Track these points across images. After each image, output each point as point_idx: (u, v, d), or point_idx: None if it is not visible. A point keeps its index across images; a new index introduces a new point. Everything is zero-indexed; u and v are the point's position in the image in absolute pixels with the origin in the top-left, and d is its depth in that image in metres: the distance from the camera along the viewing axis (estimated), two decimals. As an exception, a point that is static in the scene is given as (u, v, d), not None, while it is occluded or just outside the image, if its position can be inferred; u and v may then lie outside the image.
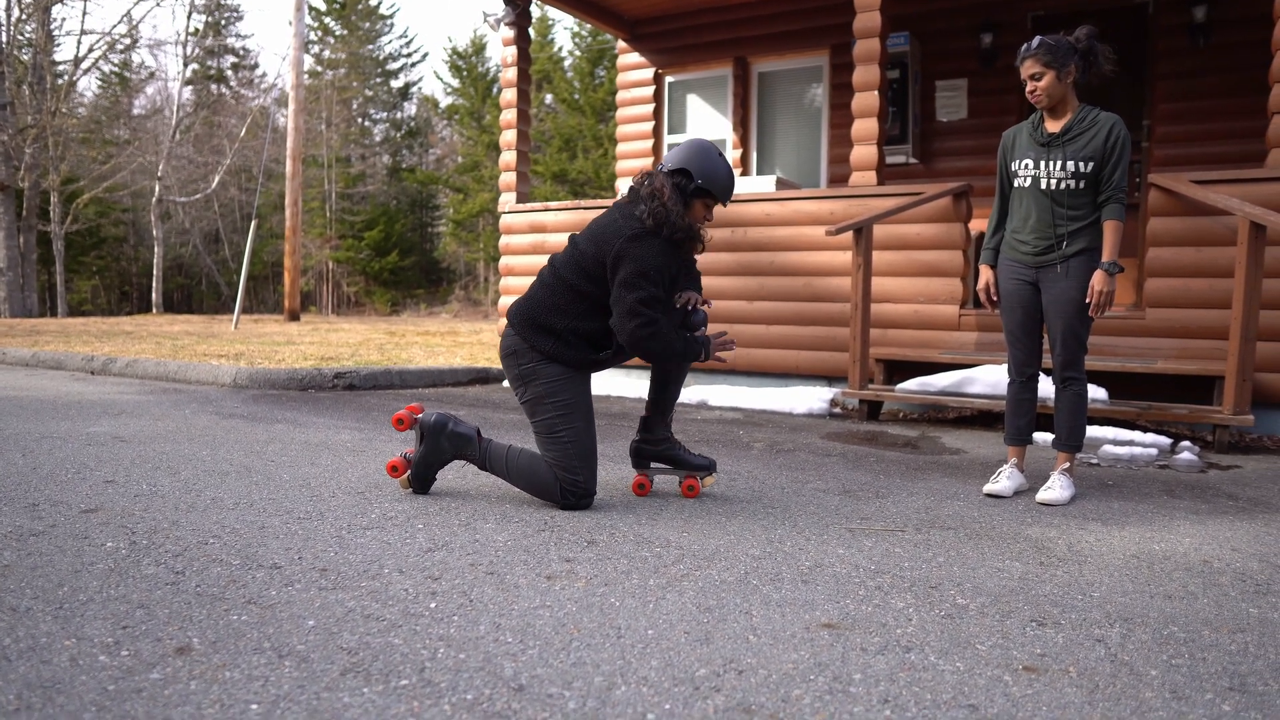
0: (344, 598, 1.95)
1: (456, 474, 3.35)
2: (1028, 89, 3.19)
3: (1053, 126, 3.22)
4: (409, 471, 2.97)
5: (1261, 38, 5.92)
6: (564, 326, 2.83)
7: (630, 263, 2.73)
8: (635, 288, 2.72)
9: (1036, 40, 3.15)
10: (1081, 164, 3.13)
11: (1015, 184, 3.31)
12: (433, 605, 1.92)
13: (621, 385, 6.67)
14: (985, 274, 3.46)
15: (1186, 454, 4.20)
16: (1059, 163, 3.17)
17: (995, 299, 3.45)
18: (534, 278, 2.68)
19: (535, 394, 2.84)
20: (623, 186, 8.44)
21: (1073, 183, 3.16)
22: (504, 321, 7.52)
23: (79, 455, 3.48)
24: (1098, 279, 3.13)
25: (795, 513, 2.92)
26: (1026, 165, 3.25)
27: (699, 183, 2.84)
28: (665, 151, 8.86)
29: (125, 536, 2.37)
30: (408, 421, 2.96)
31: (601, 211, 2.99)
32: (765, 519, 2.82)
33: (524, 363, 2.86)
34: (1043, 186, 3.21)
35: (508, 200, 7.50)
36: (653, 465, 3.18)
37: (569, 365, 2.85)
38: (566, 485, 2.82)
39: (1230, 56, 6.51)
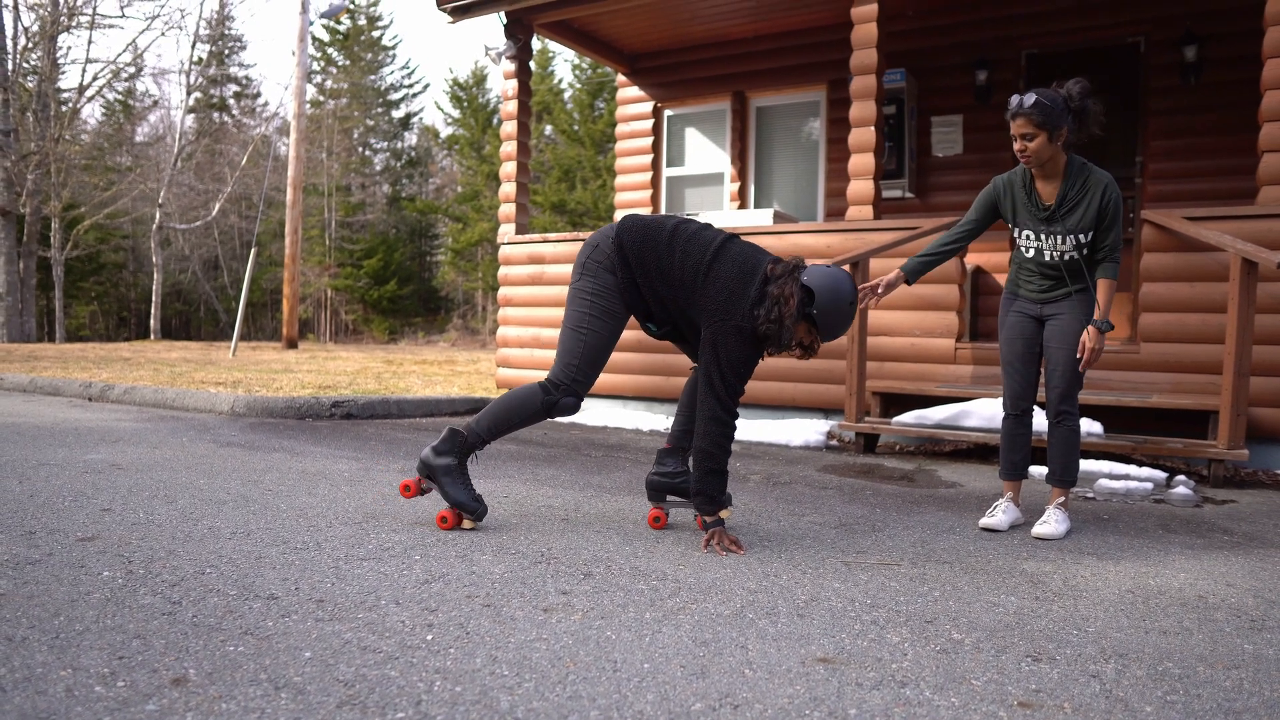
0: (341, 629, 1.95)
1: (453, 504, 3.35)
2: (1017, 147, 3.14)
3: (1045, 189, 3.22)
4: (465, 514, 2.97)
5: (1251, 77, 6.01)
6: (640, 282, 2.93)
7: (732, 353, 2.81)
8: (724, 377, 2.82)
9: (1031, 99, 3.07)
10: (1082, 236, 3.18)
11: (1019, 247, 3.34)
12: (429, 637, 1.92)
13: (619, 416, 6.68)
14: (891, 275, 3.40)
15: (1182, 488, 4.21)
16: (1060, 238, 3.21)
17: (880, 291, 3.38)
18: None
19: (581, 288, 2.96)
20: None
21: (1075, 254, 3.21)
22: (502, 351, 7.59)
23: (76, 483, 3.48)
24: (1089, 335, 3.16)
25: (791, 546, 2.93)
26: (1028, 236, 3.28)
27: (814, 312, 2.81)
28: (663, 184, 8.93)
29: (122, 565, 2.37)
30: (414, 488, 3.04)
31: (745, 239, 2.98)
32: (761, 552, 2.83)
33: (594, 257, 2.96)
34: (1046, 259, 3.26)
35: (507, 231, 7.55)
36: (669, 499, 3.18)
37: (621, 294, 2.95)
38: (557, 378, 2.91)
39: (1221, 95, 6.60)
